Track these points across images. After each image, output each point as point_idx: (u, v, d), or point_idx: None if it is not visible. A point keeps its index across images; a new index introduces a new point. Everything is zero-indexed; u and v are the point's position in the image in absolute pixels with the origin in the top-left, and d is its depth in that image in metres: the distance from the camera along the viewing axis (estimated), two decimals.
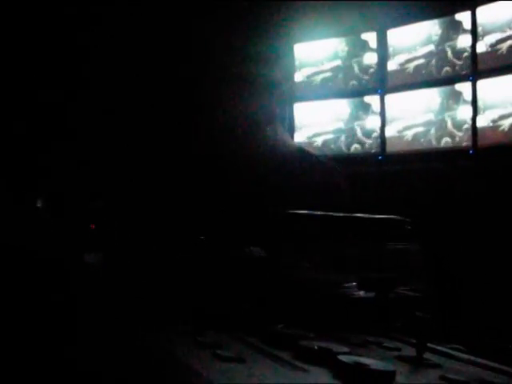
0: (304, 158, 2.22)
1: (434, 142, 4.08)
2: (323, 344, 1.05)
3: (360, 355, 1.03)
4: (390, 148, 4.28)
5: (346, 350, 1.05)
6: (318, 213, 1.55)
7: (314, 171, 2.16)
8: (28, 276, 1.74)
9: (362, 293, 1.42)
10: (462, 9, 3.98)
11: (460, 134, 3.94)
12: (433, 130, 4.08)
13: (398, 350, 1.20)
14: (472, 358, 1.20)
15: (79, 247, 2.01)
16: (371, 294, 1.41)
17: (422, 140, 4.13)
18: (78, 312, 1.45)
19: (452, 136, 3.99)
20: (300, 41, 4.81)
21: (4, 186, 3.47)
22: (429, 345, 1.17)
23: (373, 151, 4.37)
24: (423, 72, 4.19)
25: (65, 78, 4.84)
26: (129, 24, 4.84)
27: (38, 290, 1.62)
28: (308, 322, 1.27)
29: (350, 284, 1.43)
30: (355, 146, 4.44)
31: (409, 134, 4.18)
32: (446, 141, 4.03)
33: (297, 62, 4.82)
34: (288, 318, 1.29)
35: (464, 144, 3.93)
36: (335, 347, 1.04)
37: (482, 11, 3.85)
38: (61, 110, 4.76)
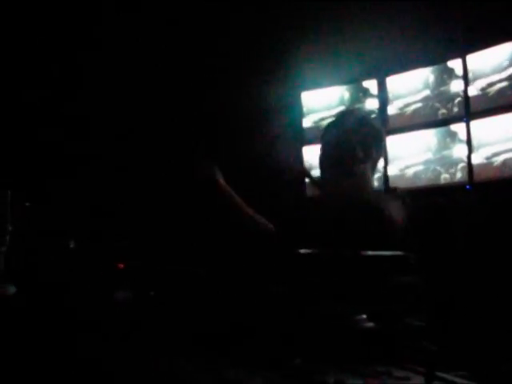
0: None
1: (433, 178, 4.09)
2: (338, 377, 1.04)
3: None
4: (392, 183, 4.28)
5: (360, 382, 1.05)
6: (330, 251, 1.55)
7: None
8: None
9: (371, 324, 1.40)
10: (454, 57, 4.01)
11: (457, 171, 3.94)
12: (432, 167, 4.09)
13: (408, 379, 1.19)
14: None
15: (109, 286, 2.01)
16: (380, 326, 1.40)
17: (423, 176, 4.14)
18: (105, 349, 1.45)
19: (450, 173, 3.99)
20: (307, 89, 4.86)
21: (39, 229, 3.49)
22: (437, 373, 1.16)
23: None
24: (421, 114, 4.21)
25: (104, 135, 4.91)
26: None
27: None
28: (323, 353, 1.26)
29: (360, 317, 1.42)
30: None
31: (409, 172, 4.19)
32: (444, 177, 4.03)
33: (304, 109, 4.86)
34: (305, 351, 1.28)
35: (462, 180, 3.93)
36: (349, 379, 1.04)
37: (472, 58, 3.89)
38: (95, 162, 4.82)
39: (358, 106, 4.58)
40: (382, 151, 2.20)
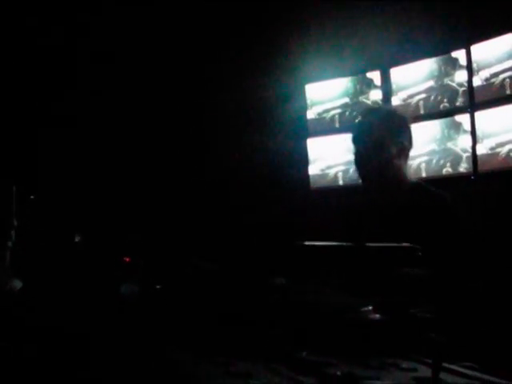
0: None
1: (437, 169, 4.07)
2: (345, 369, 1.04)
3: (380, 378, 1.02)
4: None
5: (367, 374, 1.04)
6: (334, 243, 1.54)
7: None
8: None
9: (378, 316, 1.40)
10: (458, 47, 3.99)
11: (461, 161, 3.93)
12: (437, 158, 4.07)
13: (415, 370, 1.18)
14: (485, 376, 1.17)
15: (115, 279, 2.01)
16: (387, 317, 1.39)
17: (428, 167, 4.12)
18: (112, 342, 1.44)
19: (455, 163, 3.97)
20: (311, 81, 4.84)
21: (44, 223, 3.49)
22: (444, 364, 1.15)
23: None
24: (425, 106, 4.19)
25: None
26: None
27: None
28: (330, 345, 1.26)
29: (366, 308, 1.41)
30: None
31: (414, 163, 4.15)
32: (448, 168, 4.01)
33: (308, 101, 4.84)
34: (312, 342, 1.28)
35: (466, 170, 3.91)
36: (357, 372, 1.03)
37: (476, 49, 3.86)
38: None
39: (361, 97, 4.56)
40: (411, 140, 2.19)
